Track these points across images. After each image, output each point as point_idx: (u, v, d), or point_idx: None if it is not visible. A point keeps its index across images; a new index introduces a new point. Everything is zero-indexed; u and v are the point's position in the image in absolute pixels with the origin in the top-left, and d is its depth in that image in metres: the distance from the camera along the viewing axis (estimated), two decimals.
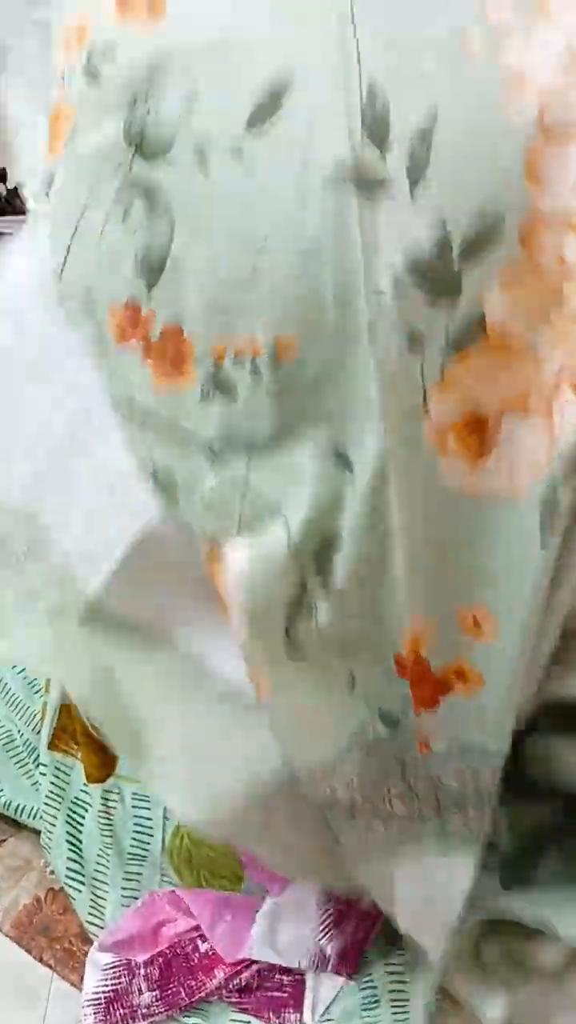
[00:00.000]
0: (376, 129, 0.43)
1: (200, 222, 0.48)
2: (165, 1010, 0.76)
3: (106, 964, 0.79)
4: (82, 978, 0.78)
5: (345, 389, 0.48)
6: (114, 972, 0.78)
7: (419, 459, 0.48)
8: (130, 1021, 0.76)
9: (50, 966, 0.81)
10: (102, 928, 0.81)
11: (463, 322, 0.45)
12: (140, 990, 0.77)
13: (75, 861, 0.85)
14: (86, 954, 0.80)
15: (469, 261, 0.44)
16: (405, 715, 0.58)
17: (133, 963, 0.79)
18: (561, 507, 0.48)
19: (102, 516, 0.58)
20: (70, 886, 0.84)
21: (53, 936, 0.83)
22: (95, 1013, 0.76)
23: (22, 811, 0.90)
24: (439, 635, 0.54)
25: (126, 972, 0.78)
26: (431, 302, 0.45)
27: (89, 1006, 0.77)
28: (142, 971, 0.78)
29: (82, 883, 0.84)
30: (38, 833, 0.88)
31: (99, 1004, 0.77)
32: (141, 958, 0.79)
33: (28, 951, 0.82)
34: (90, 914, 0.82)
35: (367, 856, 0.67)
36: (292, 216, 0.45)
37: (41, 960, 0.81)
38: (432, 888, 0.67)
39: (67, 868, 0.85)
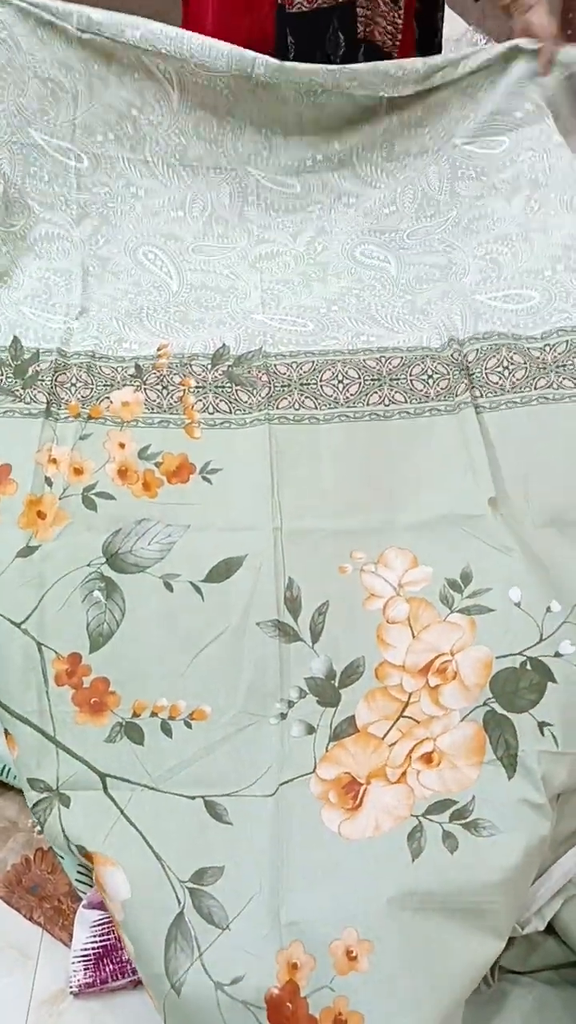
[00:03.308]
0: (292, 605, 0.79)
1: (151, 622, 0.78)
2: None
3: (95, 921, 0.79)
4: (71, 935, 0.79)
5: (245, 754, 0.73)
6: (103, 928, 0.79)
7: (308, 809, 0.70)
8: (120, 976, 0.77)
9: (40, 924, 0.82)
10: (91, 887, 0.81)
11: (340, 721, 0.74)
12: None
13: None
14: (75, 912, 0.80)
15: (345, 686, 0.76)
16: None
17: None
18: (427, 838, 0.68)
19: None
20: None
21: (42, 895, 0.83)
22: (85, 968, 0.77)
23: (7, 772, 0.90)
24: (317, 972, 0.63)
25: (115, 928, 0.79)
26: (321, 707, 0.75)
27: (79, 961, 0.78)
28: None
29: None
30: (23, 794, 0.88)
31: (88, 959, 0.78)
32: None
33: (18, 910, 0.82)
34: (79, 873, 0.83)
35: None
36: (231, 637, 0.77)
37: (31, 918, 0.82)
38: None
39: None
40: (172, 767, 0.73)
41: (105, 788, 0.72)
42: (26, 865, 0.86)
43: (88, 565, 0.79)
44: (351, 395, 0.90)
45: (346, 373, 0.91)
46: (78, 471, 0.84)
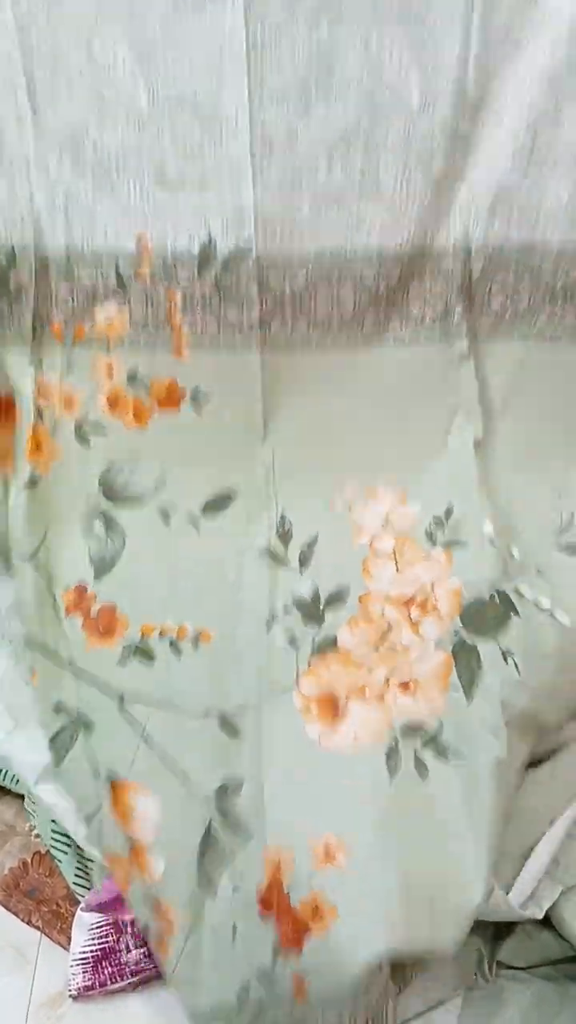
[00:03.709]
0: (283, 535, 0.82)
1: (152, 553, 0.80)
2: (153, 967, 0.77)
3: (93, 924, 0.79)
4: (70, 939, 0.79)
5: (244, 670, 0.77)
6: (101, 931, 0.79)
7: (291, 721, 0.74)
8: (119, 979, 0.77)
9: (38, 927, 0.81)
10: (89, 889, 0.81)
11: (323, 639, 0.78)
12: (128, 948, 0.78)
13: (60, 824, 0.85)
14: (74, 915, 0.80)
15: (329, 609, 0.80)
16: (277, 965, 0.66)
17: (120, 922, 0.79)
18: (402, 759, 0.72)
19: None
20: (56, 849, 0.84)
21: (40, 899, 0.83)
22: (84, 972, 0.77)
23: (5, 776, 0.90)
24: (296, 869, 0.68)
25: (113, 931, 0.79)
26: (305, 624, 0.79)
27: (77, 965, 0.77)
28: (129, 929, 0.79)
29: (68, 846, 0.84)
30: (21, 797, 0.88)
31: (87, 963, 0.78)
32: (128, 917, 0.79)
33: (16, 913, 0.82)
34: (77, 876, 0.83)
35: None
36: (229, 565, 0.81)
37: (29, 922, 0.82)
38: None
39: (52, 832, 0.85)
40: (183, 686, 0.76)
41: (122, 707, 0.75)
42: (24, 869, 0.85)
43: (86, 500, 0.81)
44: (346, 316, 0.82)
45: (341, 290, 0.81)
46: (68, 403, 0.82)
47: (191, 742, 0.74)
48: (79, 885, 0.82)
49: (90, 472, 0.81)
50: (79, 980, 0.77)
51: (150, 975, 0.77)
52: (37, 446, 0.81)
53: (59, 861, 0.84)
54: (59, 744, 0.74)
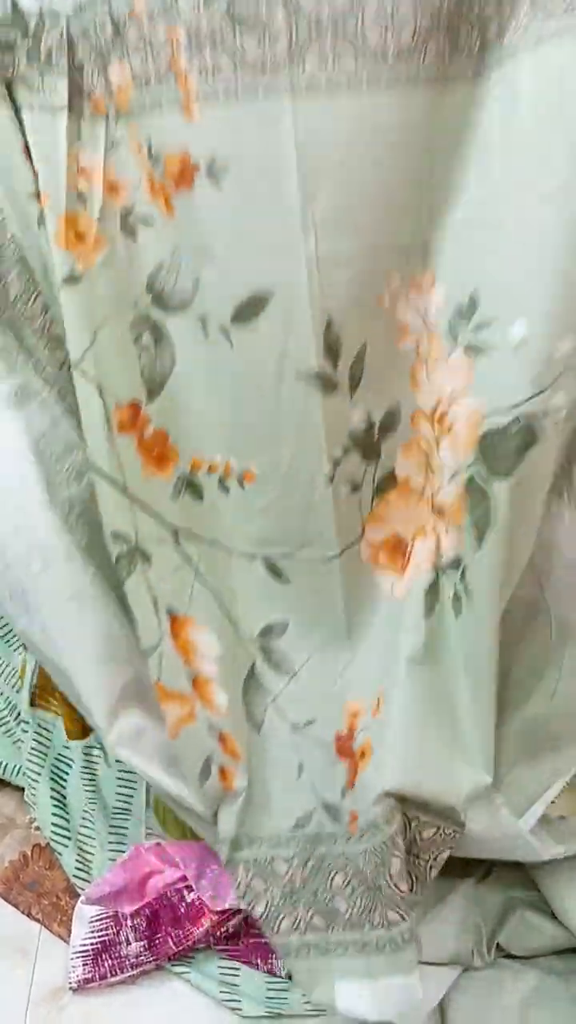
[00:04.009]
0: (331, 350, 0.64)
1: (196, 369, 0.68)
2: (153, 959, 0.77)
3: (93, 916, 0.79)
4: (70, 931, 0.79)
5: (297, 516, 0.70)
6: (102, 924, 0.79)
7: (362, 573, 0.71)
8: (118, 971, 0.77)
9: (38, 920, 0.81)
10: (89, 882, 0.81)
11: (382, 474, 0.69)
12: (128, 941, 0.78)
13: (60, 817, 0.85)
14: (74, 908, 0.80)
15: (384, 437, 0.69)
16: (345, 800, 0.72)
17: (120, 915, 0.79)
18: (441, 596, 0.68)
19: None
20: (56, 842, 0.84)
21: (40, 891, 0.83)
22: (84, 964, 0.77)
23: (5, 769, 0.90)
24: (364, 717, 0.71)
25: (114, 924, 0.79)
26: (364, 462, 0.69)
27: (78, 957, 0.77)
28: (129, 922, 0.79)
29: (68, 839, 0.84)
30: (21, 790, 0.88)
31: (87, 955, 0.77)
32: (128, 910, 0.79)
33: (16, 906, 0.82)
34: (77, 869, 0.82)
35: (305, 953, 0.74)
36: (269, 391, 0.66)
37: (29, 915, 0.82)
38: (374, 1018, 0.71)
39: (52, 825, 0.84)
40: (231, 525, 0.72)
41: (177, 542, 0.72)
42: (24, 861, 0.85)
43: (135, 306, 0.68)
44: (403, 45, 0.59)
45: (397, 9, 0.58)
46: (112, 188, 0.66)
47: (239, 582, 0.73)
48: (79, 878, 0.82)
49: (139, 273, 0.67)
50: (79, 972, 0.77)
51: (150, 968, 0.77)
52: (78, 236, 0.67)
53: (59, 854, 0.84)
54: (120, 569, 0.70)
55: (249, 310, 0.64)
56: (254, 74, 0.61)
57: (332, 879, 0.72)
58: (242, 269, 0.64)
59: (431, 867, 0.71)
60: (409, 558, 0.70)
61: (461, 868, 0.77)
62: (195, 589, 0.72)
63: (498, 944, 0.76)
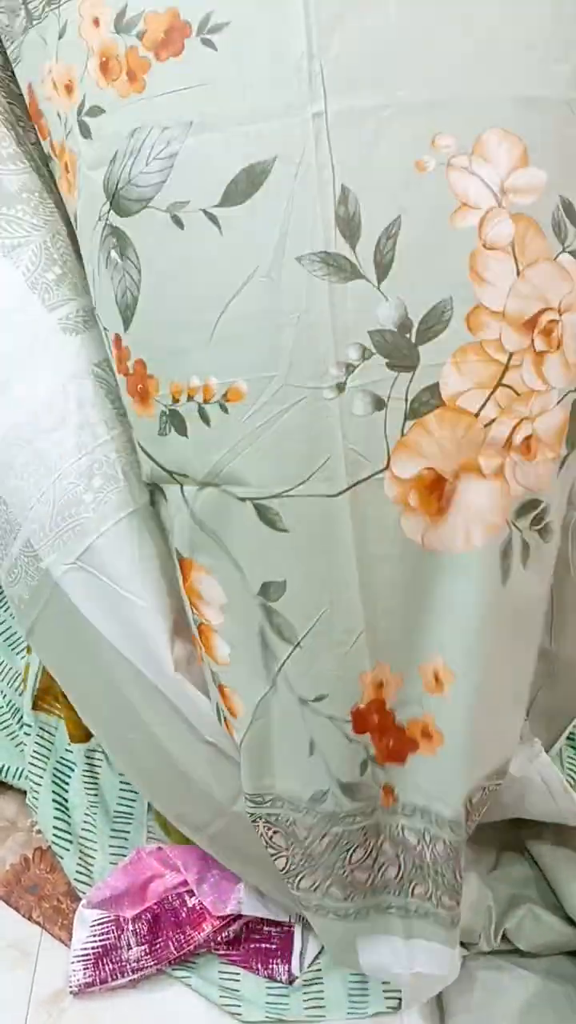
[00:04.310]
0: (348, 225, 0.52)
1: (167, 275, 0.57)
2: (154, 964, 0.77)
3: (94, 920, 0.79)
4: (71, 935, 0.79)
5: (295, 441, 0.56)
6: (102, 928, 0.79)
7: (384, 515, 0.56)
8: (119, 975, 0.77)
9: (39, 923, 0.81)
10: (90, 886, 0.81)
11: (420, 390, 0.54)
12: (129, 945, 0.78)
13: (62, 820, 0.85)
14: (75, 911, 0.80)
15: (426, 341, 0.53)
16: (367, 774, 0.62)
17: (121, 919, 0.79)
18: (516, 553, 0.57)
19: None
20: (58, 845, 0.84)
21: (41, 894, 0.83)
22: (84, 968, 0.77)
23: (7, 771, 0.90)
24: (405, 689, 0.60)
25: (115, 928, 0.79)
26: (394, 372, 0.54)
27: (78, 961, 0.77)
28: (130, 926, 0.79)
29: (69, 842, 0.84)
30: (23, 793, 0.88)
31: (88, 959, 0.77)
32: (129, 914, 0.79)
33: (17, 909, 0.82)
34: (78, 872, 0.82)
35: (323, 913, 0.69)
36: (262, 284, 0.54)
37: (30, 918, 0.82)
38: (400, 970, 0.67)
39: (54, 828, 0.84)
40: (216, 461, 0.58)
41: (175, 481, 0.62)
42: (25, 864, 0.85)
43: (99, 218, 0.58)
44: None
45: None
46: (68, 88, 0.59)
47: (237, 527, 0.59)
48: (80, 881, 0.82)
49: (96, 175, 0.58)
50: (80, 976, 0.76)
51: (151, 972, 0.77)
52: (66, 167, 0.61)
53: (60, 857, 0.84)
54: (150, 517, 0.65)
55: (243, 187, 0.54)
56: None
57: (351, 854, 0.65)
58: (236, 138, 0.54)
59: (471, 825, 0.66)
60: (448, 502, 0.56)
61: (471, 855, 0.77)
62: (193, 532, 0.61)
63: (504, 936, 0.76)
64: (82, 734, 0.88)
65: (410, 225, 0.53)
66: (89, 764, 0.89)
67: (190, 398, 0.58)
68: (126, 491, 0.65)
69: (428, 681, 0.60)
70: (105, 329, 0.62)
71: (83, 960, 0.77)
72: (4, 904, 0.82)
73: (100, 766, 0.88)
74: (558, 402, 0.56)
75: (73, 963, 0.77)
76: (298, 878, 0.67)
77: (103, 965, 0.77)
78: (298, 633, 0.59)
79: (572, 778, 0.77)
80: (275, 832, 0.66)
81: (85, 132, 0.58)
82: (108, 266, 0.59)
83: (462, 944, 0.75)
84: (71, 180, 0.60)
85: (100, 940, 0.78)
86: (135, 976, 0.77)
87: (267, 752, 0.64)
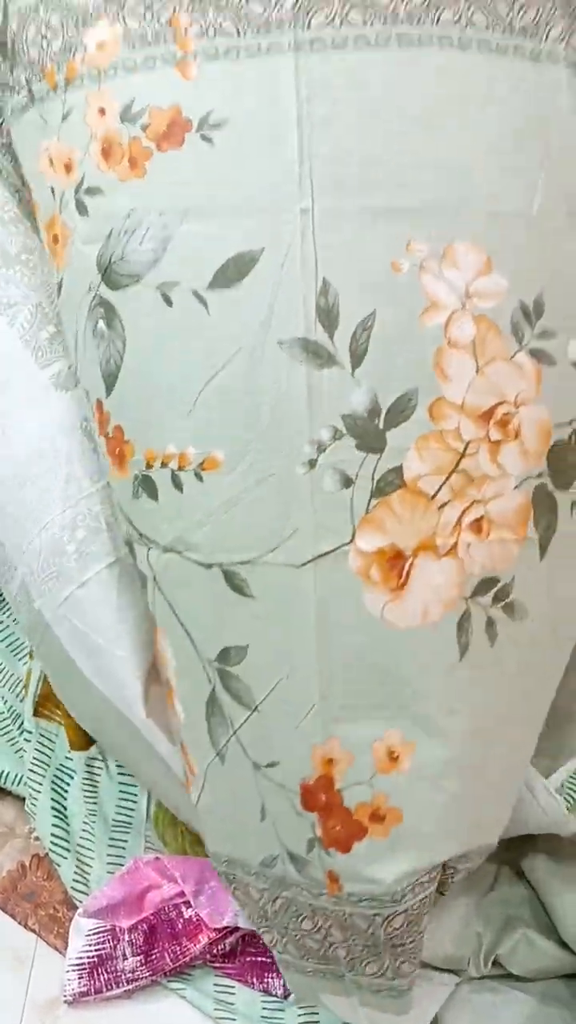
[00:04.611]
0: (328, 315, 0.57)
1: (152, 348, 0.60)
2: (149, 975, 0.77)
3: (90, 930, 0.79)
4: (67, 944, 0.79)
5: (266, 512, 0.59)
6: (98, 937, 0.79)
7: (347, 588, 0.58)
8: (114, 986, 0.77)
9: (35, 931, 0.81)
10: (87, 895, 0.81)
11: (385, 471, 0.58)
12: (124, 955, 0.78)
13: (60, 828, 0.85)
14: (71, 920, 0.80)
15: (392, 426, 0.58)
16: (313, 855, 0.62)
17: (118, 929, 0.79)
18: (477, 630, 0.59)
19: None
20: (55, 853, 0.84)
21: (38, 902, 0.83)
22: (79, 977, 0.77)
23: (6, 777, 0.90)
24: (355, 769, 0.60)
25: (110, 937, 0.79)
26: (362, 453, 0.58)
27: (73, 970, 0.77)
28: (126, 936, 0.79)
29: (67, 850, 0.84)
30: (22, 800, 0.88)
31: (83, 969, 0.77)
32: (126, 924, 0.79)
33: (13, 917, 0.82)
34: (75, 881, 0.82)
35: (286, 966, 0.70)
36: (244, 363, 0.58)
37: (26, 926, 0.82)
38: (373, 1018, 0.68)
39: (52, 835, 0.85)
40: (185, 528, 0.61)
41: (142, 543, 0.64)
42: (22, 871, 0.85)
43: (89, 289, 0.62)
44: (415, 6, 0.59)
45: None
46: (68, 167, 0.63)
47: (197, 595, 0.62)
48: (77, 890, 0.82)
49: (91, 251, 0.61)
50: (74, 986, 0.76)
51: (145, 983, 0.77)
52: (55, 238, 0.64)
53: (58, 865, 0.84)
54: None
55: (232, 272, 0.58)
56: (257, 34, 0.59)
57: (301, 922, 0.66)
58: (228, 228, 0.58)
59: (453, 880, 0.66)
60: (407, 578, 0.59)
61: (463, 882, 0.77)
62: (155, 595, 0.64)
63: (496, 960, 0.76)
64: (82, 742, 0.88)
65: (384, 320, 0.57)
66: (89, 772, 0.89)
67: (164, 465, 0.61)
68: (108, 542, 0.69)
69: (380, 760, 0.61)
70: (87, 392, 0.65)
71: (78, 969, 0.77)
72: (0, 911, 0.83)
73: (100, 774, 0.89)
74: (515, 487, 0.60)
75: (68, 972, 0.77)
76: (260, 931, 0.69)
77: (98, 975, 0.77)
78: (256, 698, 0.61)
79: (571, 798, 0.76)
80: (235, 889, 0.69)
81: (82, 209, 0.62)
82: (95, 335, 0.62)
83: (450, 971, 0.75)
84: (59, 251, 0.64)
85: (96, 949, 0.78)
86: (130, 987, 0.77)
87: (219, 816, 0.66)
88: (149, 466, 0.61)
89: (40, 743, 0.90)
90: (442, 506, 0.59)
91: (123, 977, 0.77)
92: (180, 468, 0.60)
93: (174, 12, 0.60)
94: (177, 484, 0.61)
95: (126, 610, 0.69)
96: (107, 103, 0.61)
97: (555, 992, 0.75)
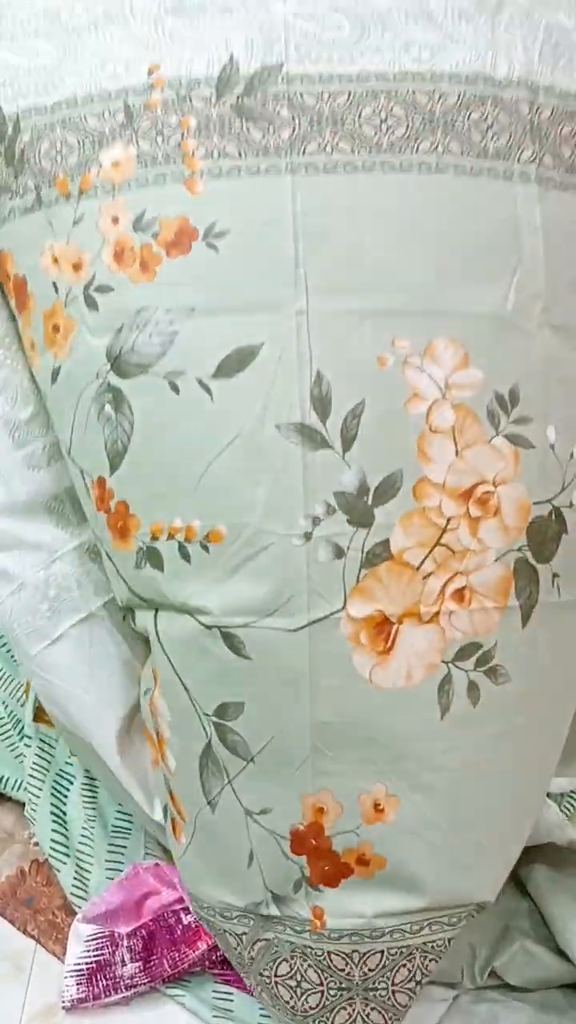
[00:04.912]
0: (321, 403, 0.64)
1: (160, 430, 0.67)
2: (148, 981, 0.77)
3: (89, 935, 0.79)
4: (66, 950, 0.79)
5: (265, 578, 0.65)
6: (97, 943, 0.79)
7: (338, 651, 0.64)
8: (112, 992, 0.77)
9: (33, 937, 0.81)
10: (86, 900, 0.81)
11: (374, 544, 0.64)
12: (123, 961, 0.78)
13: (59, 833, 0.85)
14: (70, 926, 0.80)
15: (380, 504, 0.64)
16: (300, 893, 0.68)
17: (116, 935, 0.79)
18: (459, 692, 0.65)
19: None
20: (55, 858, 0.84)
21: (37, 908, 0.83)
22: (78, 984, 0.77)
23: (6, 783, 0.90)
24: (344, 818, 0.66)
25: (109, 943, 0.79)
26: (352, 527, 0.64)
27: (71, 976, 0.77)
28: (125, 943, 0.79)
29: (66, 855, 0.84)
30: (21, 805, 0.88)
31: (82, 975, 0.77)
32: (124, 930, 0.79)
33: (11, 922, 0.82)
34: (74, 886, 0.82)
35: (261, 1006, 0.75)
36: (245, 445, 0.65)
37: (25, 931, 0.82)
38: None
39: (51, 840, 0.85)
40: (190, 594, 0.67)
41: (144, 607, 0.71)
42: (21, 877, 0.85)
43: (97, 376, 0.69)
44: (397, 139, 0.68)
45: (391, 110, 0.69)
46: (76, 267, 0.70)
47: (197, 654, 0.67)
48: (76, 895, 0.82)
49: (100, 341, 0.69)
50: (73, 992, 0.76)
51: (144, 990, 0.77)
52: (55, 328, 0.71)
53: (57, 870, 0.84)
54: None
55: (234, 364, 0.65)
56: (257, 156, 0.68)
57: (277, 966, 0.70)
58: (231, 324, 0.66)
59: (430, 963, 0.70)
60: (393, 643, 0.65)
61: None
62: (156, 653, 0.70)
63: (493, 971, 0.76)
64: None
65: (371, 408, 0.64)
66: (88, 778, 0.89)
67: (171, 537, 0.67)
68: (79, 599, 0.77)
69: (366, 812, 0.66)
70: (82, 471, 0.71)
71: (77, 975, 0.77)
72: None
73: (99, 780, 0.89)
74: (496, 559, 0.66)
75: (67, 978, 0.77)
76: (241, 973, 0.73)
77: (97, 981, 0.77)
78: (252, 750, 0.66)
79: (571, 807, 0.77)
80: (214, 935, 0.72)
81: (91, 304, 0.69)
82: (100, 418, 0.69)
83: (445, 984, 0.76)
84: (60, 341, 0.71)
85: (94, 956, 0.78)
86: (128, 993, 0.77)
87: (204, 862, 0.71)
88: (155, 538, 0.68)
89: (40, 748, 0.90)
90: (427, 576, 0.65)
91: (122, 983, 0.77)
92: (187, 540, 0.67)
93: (183, 137, 0.68)
94: (184, 555, 0.67)
95: (100, 660, 0.76)
96: (120, 213, 0.68)
97: (553, 1002, 0.75)
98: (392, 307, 0.66)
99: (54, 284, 0.71)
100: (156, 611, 0.70)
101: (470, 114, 0.69)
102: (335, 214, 0.67)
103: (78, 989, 0.77)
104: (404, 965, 0.68)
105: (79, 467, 0.71)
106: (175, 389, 0.66)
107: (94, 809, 0.87)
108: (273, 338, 0.65)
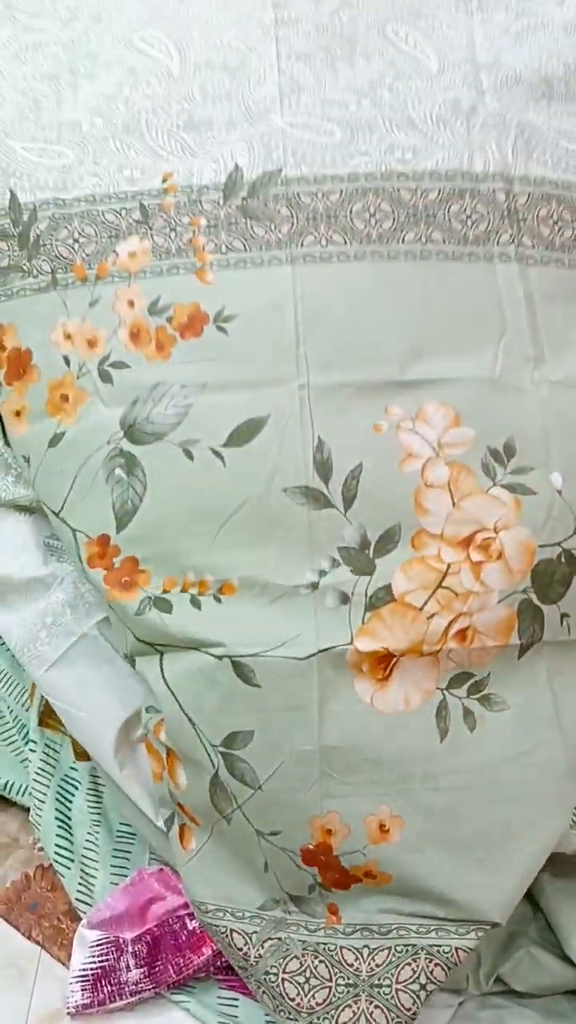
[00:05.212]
0: (323, 467, 0.72)
1: (174, 493, 0.73)
2: (153, 987, 0.77)
3: (94, 941, 0.79)
4: (70, 955, 0.79)
5: (275, 622, 0.71)
6: (102, 949, 0.79)
7: (341, 674, 0.70)
8: (117, 998, 0.76)
9: (38, 943, 0.81)
10: (91, 906, 0.81)
11: (376, 589, 0.70)
12: (128, 967, 0.78)
13: (64, 839, 0.85)
14: (74, 931, 0.80)
15: (381, 555, 0.71)
16: (315, 894, 0.72)
17: (121, 940, 0.79)
18: (455, 718, 0.70)
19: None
20: (59, 863, 0.84)
21: (41, 913, 0.83)
22: (83, 989, 0.77)
23: (11, 788, 0.90)
24: (351, 839, 0.70)
25: (114, 949, 0.79)
26: (356, 576, 0.71)
27: (76, 982, 0.77)
28: (130, 948, 0.79)
29: (71, 861, 0.84)
30: (26, 810, 0.88)
31: (87, 980, 0.77)
32: (129, 935, 0.79)
33: (16, 927, 0.82)
34: (79, 892, 0.82)
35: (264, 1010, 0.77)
36: (255, 506, 0.72)
37: (29, 937, 0.81)
38: None
39: (56, 846, 0.84)
40: (199, 634, 0.72)
41: (154, 651, 0.75)
42: (26, 882, 0.85)
43: (108, 443, 0.75)
44: (385, 231, 0.77)
45: (379, 206, 0.78)
46: (91, 343, 0.78)
47: (205, 685, 0.72)
48: (81, 901, 0.82)
49: (113, 412, 0.76)
50: (77, 997, 0.76)
51: (149, 995, 0.77)
52: (64, 397, 0.78)
53: (62, 876, 0.84)
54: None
55: (244, 433, 0.72)
56: (261, 249, 0.77)
57: (287, 963, 0.72)
58: (240, 398, 0.73)
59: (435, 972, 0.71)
60: (391, 673, 0.70)
61: None
62: (160, 696, 0.73)
63: (499, 977, 0.76)
64: (87, 752, 0.88)
65: (369, 469, 0.71)
66: (93, 782, 0.89)
67: (184, 590, 0.73)
68: (72, 622, 0.82)
69: (372, 833, 0.70)
70: (75, 531, 0.76)
71: (81, 981, 0.77)
72: (4, 922, 0.82)
73: (104, 785, 0.89)
74: (499, 601, 0.70)
75: (71, 984, 0.77)
76: (242, 975, 0.75)
77: (101, 987, 0.77)
78: (260, 778, 0.70)
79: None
80: (217, 937, 0.74)
81: (106, 378, 0.76)
82: (109, 480, 0.75)
83: (451, 990, 0.76)
84: (68, 409, 0.77)
85: (99, 961, 0.78)
86: (133, 999, 0.77)
87: (218, 866, 0.74)
88: (166, 590, 0.73)
89: (45, 753, 0.90)
90: (431, 616, 0.70)
91: (126, 989, 0.77)
92: (200, 593, 0.73)
93: (194, 235, 0.77)
94: (195, 604, 0.73)
95: (94, 678, 0.81)
96: (136, 298, 0.77)
97: (559, 1008, 0.75)
98: (384, 379, 0.74)
99: (65, 358, 0.78)
100: (161, 655, 0.74)
101: (450, 207, 0.78)
102: (331, 299, 0.75)
103: (83, 995, 0.76)
104: (408, 964, 0.70)
105: (71, 527, 0.76)
106: (189, 456, 0.73)
107: (99, 814, 0.87)
108: (278, 410, 0.73)
